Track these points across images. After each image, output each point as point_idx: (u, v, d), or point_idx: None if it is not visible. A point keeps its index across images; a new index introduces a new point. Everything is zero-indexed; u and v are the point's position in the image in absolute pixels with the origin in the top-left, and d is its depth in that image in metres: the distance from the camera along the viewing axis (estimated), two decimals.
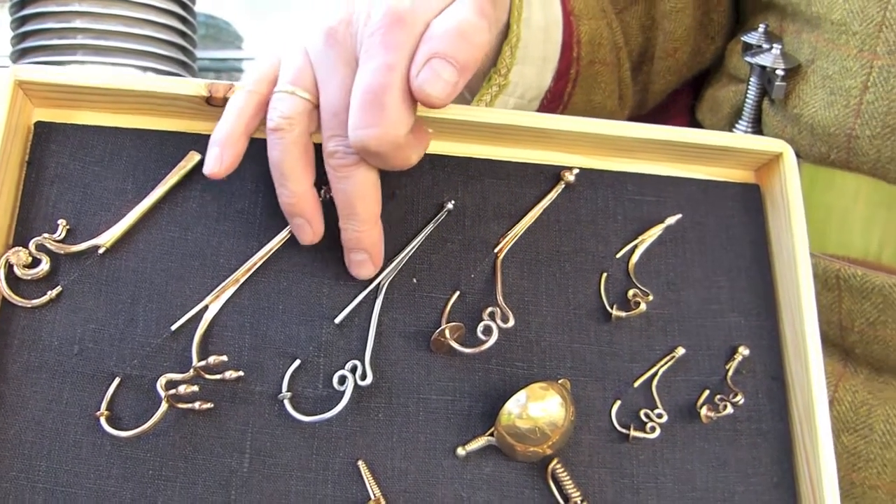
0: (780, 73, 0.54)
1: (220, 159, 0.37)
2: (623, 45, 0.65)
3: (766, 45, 0.56)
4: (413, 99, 0.34)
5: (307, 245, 0.39)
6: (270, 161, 0.38)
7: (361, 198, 0.37)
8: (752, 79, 0.58)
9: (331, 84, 0.37)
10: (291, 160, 0.37)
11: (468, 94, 0.58)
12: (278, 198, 0.38)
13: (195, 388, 0.36)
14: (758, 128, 0.60)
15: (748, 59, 0.56)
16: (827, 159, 0.53)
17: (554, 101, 0.63)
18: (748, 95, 0.58)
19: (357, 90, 0.34)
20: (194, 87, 0.39)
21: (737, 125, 0.60)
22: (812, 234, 0.56)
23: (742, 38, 0.58)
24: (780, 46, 0.55)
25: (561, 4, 0.60)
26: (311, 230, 0.39)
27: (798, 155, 0.57)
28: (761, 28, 0.57)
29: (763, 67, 0.55)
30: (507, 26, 0.52)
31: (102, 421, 0.36)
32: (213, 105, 0.40)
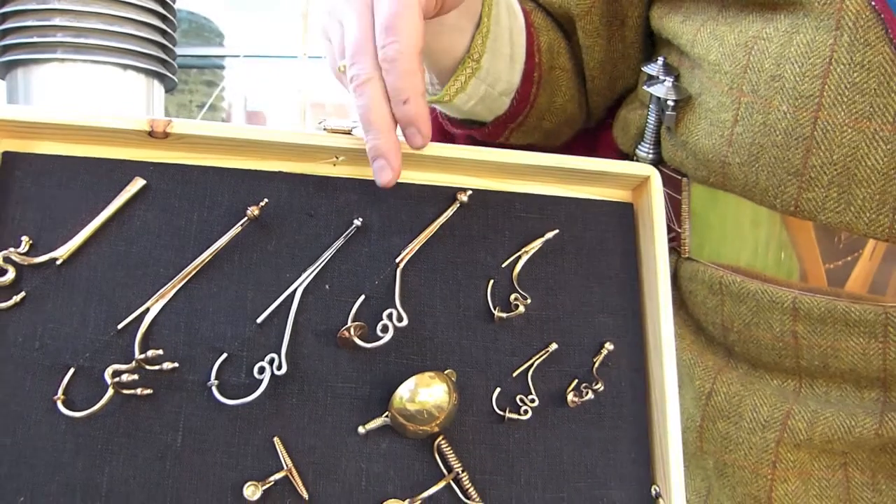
0: (670, 103, 0.62)
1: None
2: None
3: (662, 77, 0.63)
4: (421, 23, 0.44)
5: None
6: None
7: (375, 108, 0.45)
8: (651, 106, 0.65)
9: (353, 25, 0.46)
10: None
11: (439, 85, 0.66)
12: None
13: (136, 376, 0.44)
14: (658, 150, 0.67)
15: (646, 87, 0.64)
16: (707, 181, 0.61)
17: (522, 103, 0.70)
18: (648, 121, 0.65)
19: (379, 20, 0.44)
20: (138, 122, 0.46)
21: (640, 146, 0.67)
22: (708, 246, 0.64)
23: (643, 69, 0.65)
24: (671, 79, 0.62)
25: (524, 16, 0.68)
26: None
27: (686, 175, 0.64)
28: (660, 61, 0.64)
29: (658, 97, 0.63)
30: (480, 20, 0.61)
31: (59, 404, 0.43)
32: (156, 137, 0.47)
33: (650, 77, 0.64)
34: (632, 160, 0.68)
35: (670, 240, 0.66)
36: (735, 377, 0.62)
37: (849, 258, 0.57)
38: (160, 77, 2.39)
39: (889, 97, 0.51)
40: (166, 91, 2.53)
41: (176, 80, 2.51)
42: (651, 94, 0.64)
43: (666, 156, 0.66)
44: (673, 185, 0.65)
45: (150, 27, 2.43)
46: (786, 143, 0.55)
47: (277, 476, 0.44)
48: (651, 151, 0.66)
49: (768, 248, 0.60)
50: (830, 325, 0.57)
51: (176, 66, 2.50)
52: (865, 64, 0.51)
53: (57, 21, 2.33)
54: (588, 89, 0.74)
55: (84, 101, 2.20)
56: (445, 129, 0.78)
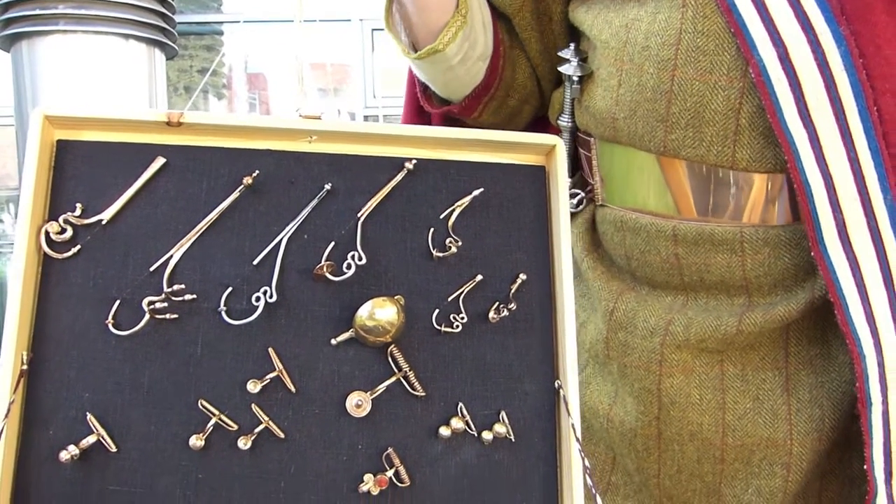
0: (575, 78, 0.76)
1: None
2: None
3: (572, 59, 0.78)
4: None
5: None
6: None
7: None
8: (566, 83, 0.79)
9: None
10: None
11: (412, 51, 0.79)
12: None
13: (166, 305, 0.59)
14: (574, 118, 0.82)
15: (559, 68, 0.78)
16: (604, 137, 0.76)
17: (493, 74, 0.84)
18: (565, 95, 0.80)
19: None
20: (158, 115, 0.61)
21: (560, 117, 0.82)
22: (614, 192, 0.79)
23: (558, 53, 0.79)
24: (577, 59, 0.77)
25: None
26: None
27: (592, 136, 0.79)
28: (572, 46, 0.78)
29: (568, 75, 0.77)
30: None
31: (110, 326, 0.59)
32: (171, 126, 0.62)
33: (563, 59, 0.79)
34: (557, 130, 0.83)
35: (588, 192, 0.82)
36: (632, 297, 0.77)
37: (720, 211, 0.72)
38: (160, 45, 2.51)
39: (723, 55, 0.65)
40: (167, 58, 2.65)
41: (176, 47, 2.63)
42: (564, 73, 0.79)
43: (578, 122, 0.80)
44: (587, 146, 0.80)
45: None
46: (654, 97, 0.69)
47: (272, 375, 0.60)
48: (568, 120, 0.81)
49: (653, 189, 0.75)
50: (701, 245, 0.72)
51: (176, 33, 2.61)
52: (705, 31, 0.66)
53: None
54: (538, 75, 0.89)
55: (88, 71, 2.33)
56: (423, 110, 0.92)
